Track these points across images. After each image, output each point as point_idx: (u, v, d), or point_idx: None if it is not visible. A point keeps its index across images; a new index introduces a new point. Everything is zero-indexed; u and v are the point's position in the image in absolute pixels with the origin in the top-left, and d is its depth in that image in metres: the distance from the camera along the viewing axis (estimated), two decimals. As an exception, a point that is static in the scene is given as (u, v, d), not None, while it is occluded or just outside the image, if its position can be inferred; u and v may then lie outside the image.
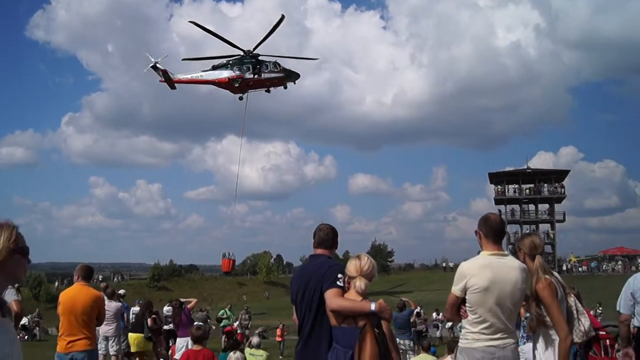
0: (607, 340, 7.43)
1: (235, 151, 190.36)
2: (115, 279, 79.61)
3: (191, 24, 37.56)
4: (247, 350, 12.06)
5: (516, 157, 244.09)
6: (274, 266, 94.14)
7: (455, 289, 4.59)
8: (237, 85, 38.00)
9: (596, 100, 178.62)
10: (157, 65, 37.04)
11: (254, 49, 37.95)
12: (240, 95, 39.12)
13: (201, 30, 37.29)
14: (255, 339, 13.47)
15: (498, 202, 71.00)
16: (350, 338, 4.42)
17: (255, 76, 37.89)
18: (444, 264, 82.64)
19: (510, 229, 70.08)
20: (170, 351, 14.24)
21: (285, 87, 39.91)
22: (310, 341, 4.78)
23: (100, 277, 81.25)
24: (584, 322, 4.64)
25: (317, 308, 4.73)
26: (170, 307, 17.17)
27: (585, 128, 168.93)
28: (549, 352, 4.63)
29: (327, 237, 5.04)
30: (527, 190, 69.92)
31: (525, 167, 69.96)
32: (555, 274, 4.85)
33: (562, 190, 69.23)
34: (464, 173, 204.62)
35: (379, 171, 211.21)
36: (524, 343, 6.80)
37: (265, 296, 69.82)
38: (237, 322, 24.80)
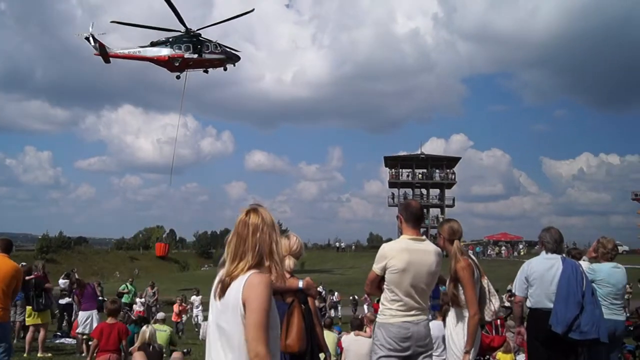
0: (498, 320, 8.24)
1: (129, 121, 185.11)
2: (-3, 249, 75.85)
3: None
4: (154, 326, 12.13)
5: (410, 142, 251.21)
6: (167, 241, 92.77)
7: (376, 268, 4.97)
8: (177, 64, 37.07)
9: (487, 91, 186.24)
10: (93, 36, 35.32)
11: (199, 29, 37.13)
12: (178, 74, 38.10)
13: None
14: (160, 314, 13.51)
15: (392, 185, 73.25)
16: (278, 313, 4.71)
17: (196, 56, 37.15)
18: (337, 244, 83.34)
19: (402, 211, 72.33)
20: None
21: (225, 69, 39.27)
22: None
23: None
24: (495, 303, 5.21)
25: None
26: (66, 280, 16.75)
27: (475, 117, 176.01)
28: (459, 327, 5.19)
29: None
30: (420, 175, 72.40)
31: (419, 152, 72.13)
32: (472, 257, 5.38)
33: (453, 176, 72.31)
34: (359, 155, 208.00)
35: (276, 149, 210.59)
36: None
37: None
38: (143, 298, 23.76)
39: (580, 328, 5.69)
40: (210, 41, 37.85)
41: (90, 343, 10.43)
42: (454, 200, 73.59)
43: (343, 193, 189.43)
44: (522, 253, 60.70)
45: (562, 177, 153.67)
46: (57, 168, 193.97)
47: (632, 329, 10.12)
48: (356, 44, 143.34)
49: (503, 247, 67.82)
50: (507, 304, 12.59)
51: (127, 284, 24.57)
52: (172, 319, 21.81)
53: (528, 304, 6.27)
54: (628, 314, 7.69)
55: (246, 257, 2.92)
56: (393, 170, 72.84)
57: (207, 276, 49.85)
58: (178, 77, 38.32)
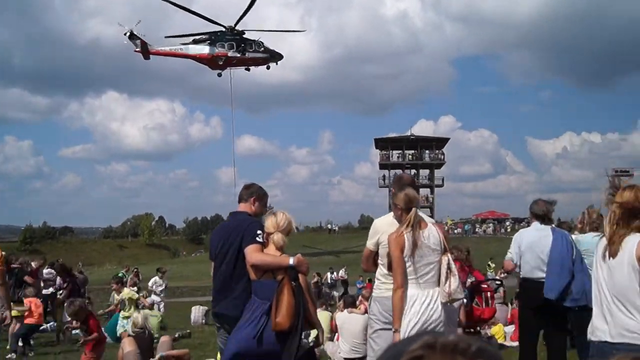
0: (488, 293, 8.29)
1: (115, 108, 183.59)
2: (-22, 240, 75.17)
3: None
4: (144, 312, 12.07)
5: (400, 124, 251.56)
6: (156, 228, 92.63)
7: (369, 244, 5.05)
8: (220, 63, 36.64)
9: (474, 73, 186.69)
10: (134, 33, 34.48)
11: (235, 24, 36.44)
12: (220, 72, 37.71)
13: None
14: (149, 299, 13.44)
15: (382, 166, 73.26)
16: (268, 291, 4.66)
17: (239, 55, 36.69)
18: (329, 226, 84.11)
19: (393, 192, 72.59)
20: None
21: (268, 68, 38.82)
22: (228, 293, 4.98)
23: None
24: (452, 284, 4.63)
25: (235, 262, 4.94)
26: (51, 270, 16.39)
27: (463, 98, 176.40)
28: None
29: (242, 192, 5.31)
30: (410, 156, 72.46)
31: (409, 133, 72.36)
32: (426, 231, 4.70)
33: (442, 156, 72.36)
34: (350, 138, 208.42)
35: (266, 133, 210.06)
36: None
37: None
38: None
39: (572, 295, 5.86)
40: (253, 40, 37.33)
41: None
42: (443, 180, 73.89)
43: (334, 176, 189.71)
44: (508, 230, 61.10)
45: (546, 156, 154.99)
46: (39, 157, 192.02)
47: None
48: (345, 27, 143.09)
49: (490, 225, 68.33)
50: (495, 276, 12.74)
51: (124, 271, 23.55)
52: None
53: (520, 274, 6.44)
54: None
55: None
56: (383, 151, 72.81)
57: (199, 262, 49.91)
58: (220, 75, 37.92)
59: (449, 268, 4.66)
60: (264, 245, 4.85)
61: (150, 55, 36.08)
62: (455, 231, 68.79)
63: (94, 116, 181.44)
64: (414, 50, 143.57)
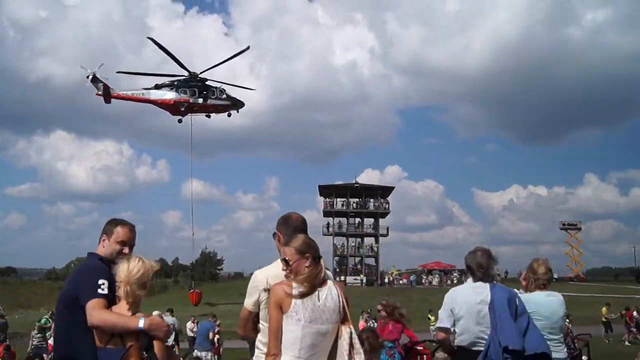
0: (424, 356, 7.50)
1: (63, 147, 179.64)
2: None
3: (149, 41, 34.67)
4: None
5: (346, 173, 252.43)
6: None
7: (247, 303, 4.10)
8: (182, 109, 36.01)
9: (421, 123, 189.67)
10: (97, 77, 33.96)
11: (201, 72, 36.20)
12: (180, 118, 36.88)
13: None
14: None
15: (326, 214, 72.67)
16: None
17: (201, 101, 36.15)
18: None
19: (337, 241, 72.37)
20: None
21: (229, 115, 38.40)
22: None
23: None
24: None
25: (71, 324, 3.82)
26: None
27: (409, 149, 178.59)
28: None
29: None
30: (355, 204, 72.31)
31: (354, 181, 72.24)
32: (323, 290, 3.68)
33: (387, 205, 72.31)
34: (296, 185, 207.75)
35: (213, 178, 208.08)
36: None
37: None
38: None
39: (530, 344, 4.79)
40: (216, 87, 37.08)
41: None
42: (387, 229, 73.56)
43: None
44: (455, 281, 61.17)
45: (493, 207, 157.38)
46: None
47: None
48: (294, 75, 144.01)
49: (437, 276, 68.36)
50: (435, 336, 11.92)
51: (47, 316, 21.32)
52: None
53: (455, 341, 5.23)
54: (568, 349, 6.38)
55: None
56: (327, 199, 72.37)
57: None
58: (180, 121, 37.26)
59: (351, 344, 3.59)
60: (111, 300, 3.79)
61: (111, 100, 35.49)
62: (401, 282, 68.65)
63: (41, 155, 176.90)
64: (361, 100, 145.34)
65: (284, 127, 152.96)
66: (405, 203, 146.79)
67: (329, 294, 3.65)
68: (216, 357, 17.83)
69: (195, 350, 16.64)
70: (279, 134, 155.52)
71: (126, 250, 4.05)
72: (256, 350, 4.03)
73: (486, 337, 4.91)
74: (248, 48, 38.76)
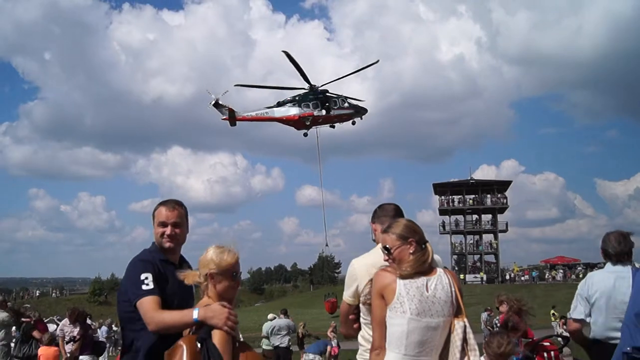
0: (552, 352, 7.15)
1: (179, 162, 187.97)
2: (54, 293, 77.93)
3: (284, 54, 34.42)
4: None
5: (460, 170, 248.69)
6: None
7: (346, 295, 3.81)
8: (307, 123, 36.70)
9: (536, 114, 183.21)
10: (220, 102, 35.17)
11: (321, 85, 36.82)
12: (306, 132, 37.77)
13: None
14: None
15: (442, 212, 71.62)
16: None
17: (324, 113, 36.76)
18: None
19: (455, 239, 71.10)
20: None
21: (354, 123, 38.96)
22: None
23: (37, 292, 79.53)
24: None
25: (126, 324, 3.62)
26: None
27: (525, 141, 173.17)
28: None
29: None
30: (471, 201, 70.73)
31: (469, 178, 70.79)
32: (432, 279, 3.29)
33: (505, 200, 70.25)
34: (410, 185, 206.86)
35: (326, 183, 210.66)
36: None
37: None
38: None
39: None
40: (338, 96, 37.40)
41: None
42: (507, 225, 71.62)
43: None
44: (580, 276, 58.46)
45: (618, 197, 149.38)
46: (111, 212, 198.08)
47: None
48: (400, 74, 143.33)
49: (560, 271, 65.58)
50: (565, 333, 11.24)
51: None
52: None
53: (591, 334, 4.89)
54: None
55: None
56: (443, 197, 71.35)
57: (257, 311, 49.44)
58: (305, 135, 37.84)
59: (465, 339, 3.19)
60: (159, 294, 3.45)
61: (237, 122, 36.28)
62: (522, 278, 66.45)
63: (160, 171, 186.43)
64: (472, 94, 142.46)
65: (394, 128, 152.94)
66: (525, 197, 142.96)
67: (439, 283, 3.25)
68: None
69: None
70: (390, 135, 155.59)
71: (168, 230, 3.74)
72: (360, 348, 3.73)
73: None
74: (377, 62, 38.83)
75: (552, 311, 26.20)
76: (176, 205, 3.84)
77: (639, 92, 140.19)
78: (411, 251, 3.31)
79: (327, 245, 42.92)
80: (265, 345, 16.93)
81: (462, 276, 66.29)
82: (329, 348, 16.13)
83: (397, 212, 3.96)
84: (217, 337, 3.07)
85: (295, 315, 36.41)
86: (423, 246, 3.36)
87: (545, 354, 7.10)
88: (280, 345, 15.98)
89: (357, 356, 3.75)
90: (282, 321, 16.63)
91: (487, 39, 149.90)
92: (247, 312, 56.11)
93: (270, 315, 17.83)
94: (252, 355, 3.20)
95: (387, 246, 3.37)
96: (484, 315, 22.88)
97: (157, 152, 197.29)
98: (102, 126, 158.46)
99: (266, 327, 16.74)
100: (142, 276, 3.47)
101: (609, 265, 4.90)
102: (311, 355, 15.24)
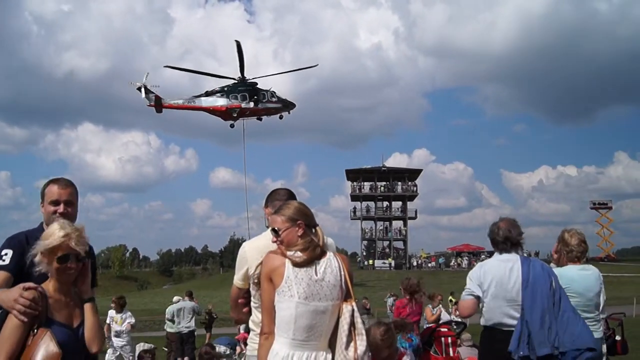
0: (449, 338, 7.27)
1: (90, 139, 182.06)
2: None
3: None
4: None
5: (373, 157, 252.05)
6: (129, 260, 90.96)
7: (236, 279, 3.72)
8: (235, 114, 35.97)
9: (448, 105, 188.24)
10: (148, 88, 34.07)
11: (252, 78, 36.41)
12: (232, 123, 36.91)
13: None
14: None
15: (354, 198, 72.74)
16: None
17: (252, 105, 36.10)
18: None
19: (366, 225, 72.26)
20: None
21: (281, 117, 38.60)
22: None
23: None
24: (359, 347, 3.11)
25: None
26: None
27: (437, 131, 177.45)
28: None
29: None
30: (382, 188, 72.10)
31: (381, 165, 72.00)
32: (321, 262, 3.21)
33: (415, 188, 71.98)
34: (325, 170, 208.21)
35: (241, 166, 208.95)
36: None
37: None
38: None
39: (563, 342, 4.37)
40: (266, 90, 36.96)
41: None
42: (416, 212, 73.51)
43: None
44: (483, 263, 60.78)
45: (522, 189, 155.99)
46: (17, 188, 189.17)
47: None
48: (319, 60, 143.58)
49: (465, 258, 67.93)
50: (457, 318, 11.51)
51: None
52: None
53: (481, 321, 4.85)
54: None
55: None
56: (355, 183, 72.31)
57: (165, 293, 48.67)
58: (232, 126, 37.16)
59: (352, 323, 3.13)
60: (11, 271, 3.33)
61: (164, 109, 35.67)
62: (429, 264, 68.39)
63: (69, 148, 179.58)
64: (387, 83, 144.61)
65: (310, 113, 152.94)
66: (434, 186, 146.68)
67: (328, 267, 3.17)
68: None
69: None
70: (306, 120, 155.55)
71: (60, 209, 3.63)
72: (250, 332, 3.68)
73: (517, 315, 4.53)
74: (316, 65, 40.01)
75: (450, 297, 26.28)
76: (68, 183, 3.77)
77: (546, 87, 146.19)
78: (299, 234, 3.22)
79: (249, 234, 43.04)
80: (169, 328, 16.63)
81: (370, 262, 67.59)
82: (237, 348, 15.79)
83: (290, 197, 3.90)
84: (8, 321, 2.92)
85: (203, 297, 36.09)
86: (313, 230, 3.29)
87: (442, 339, 7.23)
88: (184, 328, 15.76)
89: (248, 340, 3.70)
90: (186, 303, 16.37)
91: (404, 29, 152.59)
92: (154, 294, 55.22)
93: (175, 298, 17.52)
94: (52, 347, 2.90)
95: (276, 228, 3.28)
96: (390, 300, 23.34)
97: (67, 127, 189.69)
98: (10, 99, 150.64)
99: (170, 310, 16.42)
100: (3, 252, 3.41)
101: (497, 254, 4.90)
102: (223, 348, 15.07)
